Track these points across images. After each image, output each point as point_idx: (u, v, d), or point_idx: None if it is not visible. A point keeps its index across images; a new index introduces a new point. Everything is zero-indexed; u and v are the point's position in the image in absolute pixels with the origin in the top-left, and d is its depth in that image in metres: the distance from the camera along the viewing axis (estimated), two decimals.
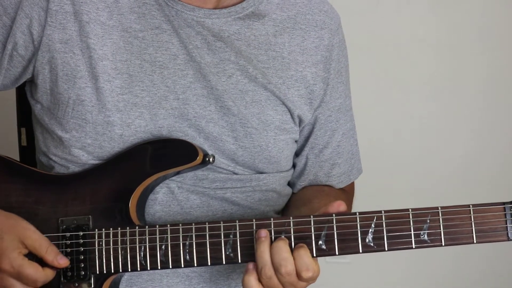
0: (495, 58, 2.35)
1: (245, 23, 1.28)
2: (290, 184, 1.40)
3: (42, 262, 1.19)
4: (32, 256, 1.19)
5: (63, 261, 1.19)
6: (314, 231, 1.15)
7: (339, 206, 1.15)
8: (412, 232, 1.13)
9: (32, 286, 1.19)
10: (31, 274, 1.17)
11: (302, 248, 1.13)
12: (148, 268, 1.18)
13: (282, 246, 1.13)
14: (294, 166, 1.38)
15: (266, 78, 1.28)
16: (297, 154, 1.38)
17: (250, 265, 1.14)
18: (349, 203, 1.43)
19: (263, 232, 1.14)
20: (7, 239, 1.17)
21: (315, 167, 1.37)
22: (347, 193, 1.43)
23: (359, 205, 1.45)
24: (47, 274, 1.19)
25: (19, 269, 1.17)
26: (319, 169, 1.37)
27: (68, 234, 1.21)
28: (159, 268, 1.18)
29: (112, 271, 1.19)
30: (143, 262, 1.18)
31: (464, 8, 2.35)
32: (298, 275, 1.12)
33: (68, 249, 1.21)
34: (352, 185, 1.45)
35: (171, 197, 1.27)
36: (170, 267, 1.18)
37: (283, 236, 1.15)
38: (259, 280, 1.13)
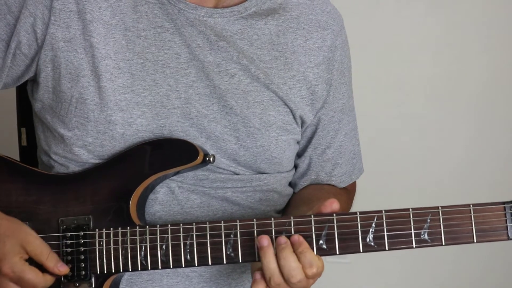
0: (495, 58, 2.35)
1: (248, 22, 1.28)
2: (292, 184, 1.40)
3: (42, 268, 1.19)
4: (32, 261, 1.18)
5: (63, 269, 1.19)
6: (314, 231, 1.14)
7: (332, 204, 1.15)
8: (413, 232, 1.13)
9: None
10: (31, 279, 1.17)
11: (303, 245, 1.13)
12: (149, 268, 1.18)
13: (289, 256, 1.11)
14: (296, 166, 1.38)
15: (269, 78, 1.28)
16: (299, 155, 1.37)
17: (257, 275, 1.13)
18: (350, 201, 1.43)
19: (265, 241, 1.13)
20: (9, 244, 1.17)
21: (317, 167, 1.37)
22: (348, 191, 1.43)
23: (358, 205, 1.45)
24: (46, 280, 1.19)
25: (20, 274, 1.17)
26: (321, 169, 1.37)
27: (68, 234, 1.21)
28: (160, 268, 1.18)
29: (113, 271, 1.19)
30: (143, 262, 1.18)
31: (464, 8, 2.35)
32: (304, 273, 1.12)
33: (69, 249, 1.21)
34: (353, 184, 1.45)
35: (171, 196, 1.26)
36: (171, 267, 1.18)
37: (283, 235, 1.14)
38: None
